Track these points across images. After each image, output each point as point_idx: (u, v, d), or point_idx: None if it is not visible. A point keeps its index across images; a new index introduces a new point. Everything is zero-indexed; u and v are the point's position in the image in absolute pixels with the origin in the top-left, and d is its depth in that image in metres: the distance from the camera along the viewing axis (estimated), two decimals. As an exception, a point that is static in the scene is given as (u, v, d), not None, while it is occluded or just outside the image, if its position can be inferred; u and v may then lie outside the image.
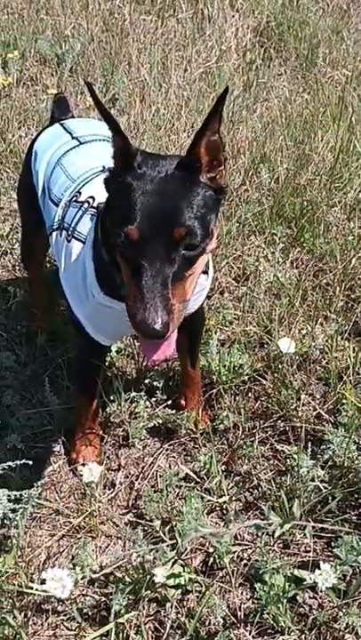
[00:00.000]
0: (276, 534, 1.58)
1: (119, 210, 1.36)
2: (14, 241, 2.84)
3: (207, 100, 3.89)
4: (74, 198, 1.82)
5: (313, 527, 1.69)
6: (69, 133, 2.05)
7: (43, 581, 1.71)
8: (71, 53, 4.27)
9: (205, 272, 1.66)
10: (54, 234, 1.88)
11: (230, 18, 4.92)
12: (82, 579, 1.58)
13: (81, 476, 1.60)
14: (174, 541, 1.48)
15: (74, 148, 1.99)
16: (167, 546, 1.59)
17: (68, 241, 1.77)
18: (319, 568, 1.71)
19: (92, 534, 1.86)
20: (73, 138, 2.03)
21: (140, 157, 1.38)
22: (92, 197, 1.76)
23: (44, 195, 1.99)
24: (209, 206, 1.39)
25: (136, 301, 1.30)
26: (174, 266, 1.32)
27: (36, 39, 4.41)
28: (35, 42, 4.39)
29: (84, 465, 2.01)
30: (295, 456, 1.84)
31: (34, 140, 2.16)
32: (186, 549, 1.74)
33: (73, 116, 2.29)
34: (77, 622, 1.63)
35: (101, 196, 1.70)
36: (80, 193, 1.81)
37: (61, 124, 2.12)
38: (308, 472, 1.75)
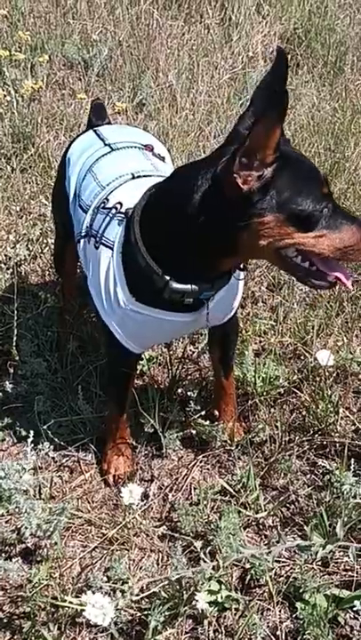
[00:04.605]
0: (319, 555, 1.54)
1: (298, 186, 1.44)
2: (44, 245, 2.83)
3: (235, 107, 3.87)
4: (102, 205, 1.81)
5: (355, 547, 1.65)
6: (102, 140, 2.04)
7: (77, 594, 1.70)
8: (98, 58, 4.26)
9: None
10: (82, 241, 1.87)
11: (257, 24, 4.89)
12: (123, 604, 1.54)
13: (121, 495, 1.56)
14: (215, 563, 1.44)
15: (105, 154, 1.98)
16: (205, 562, 1.56)
17: (96, 247, 1.75)
18: (360, 588, 1.68)
19: (125, 547, 1.83)
20: (105, 145, 2.01)
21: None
22: (119, 203, 1.74)
23: (74, 201, 1.97)
24: None
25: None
26: None
27: (63, 43, 4.41)
28: (62, 46, 4.39)
29: (114, 475, 2.00)
30: (336, 472, 1.80)
31: (68, 147, 2.15)
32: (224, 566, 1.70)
33: (109, 122, 2.27)
34: (113, 637, 1.60)
35: (129, 201, 1.70)
36: (108, 200, 1.80)
37: (95, 131, 2.10)
38: (351, 489, 1.71)
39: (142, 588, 1.65)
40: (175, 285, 1.57)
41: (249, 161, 1.38)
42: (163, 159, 2.01)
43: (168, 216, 1.54)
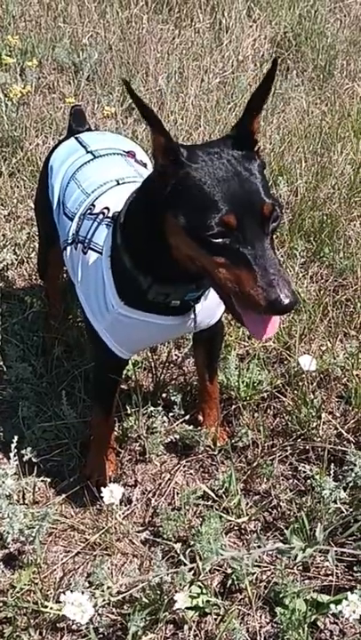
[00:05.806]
0: (299, 559, 1.55)
1: (197, 204, 1.33)
2: (31, 250, 2.83)
3: (224, 111, 3.88)
4: (88, 211, 1.82)
5: (335, 551, 1.66)
6: (84, 147, 2.05)
7: (59, 600, 1.70)
8: (88, 62, 4.26)
9: None
10: (68, 248, 1.87)
11: (247, 28, 4.90)
12: (102, 603, 1.55)
13: (101, 497, 1.57)
14: (195, 564, 1.45)
15: (88, 162, 1.99)
16: (185, 565, 1.56)
17: (85, 253, 1.76)
18: (340, 592, 1.68)
19: (107, 552, 1.83)
20: (87, 152, 2.03)
21: (185, 151, 1.37)
22: (106, 208, 1.75)
23: (58, 209, 1.98)
24: (267, 177, 1.41)
25: (256, 284, 1.29)
26: (270, 240, 1.33)
27: (54, 47, 4.41)
28: (52, 50, 4.39)
29: (98, 480, 2.00)
30: (317, 477, 1.81)
31: (50, 155, 2.16)
32: (204, 570, 1.71)
33: (89, 128, 2.28)
34: (93, 643, 1.60)
35: (115, 206, 1.70)
36: (94, 206, 1.81)
37: (76, 138, 2.11)
38: (331, 494, 1.72)
39: (122, 591, 1.66)
40: (158, 286, 1.57)
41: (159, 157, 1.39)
42: (145, 165, 2.02)
43: (140, 217, 1.55)
